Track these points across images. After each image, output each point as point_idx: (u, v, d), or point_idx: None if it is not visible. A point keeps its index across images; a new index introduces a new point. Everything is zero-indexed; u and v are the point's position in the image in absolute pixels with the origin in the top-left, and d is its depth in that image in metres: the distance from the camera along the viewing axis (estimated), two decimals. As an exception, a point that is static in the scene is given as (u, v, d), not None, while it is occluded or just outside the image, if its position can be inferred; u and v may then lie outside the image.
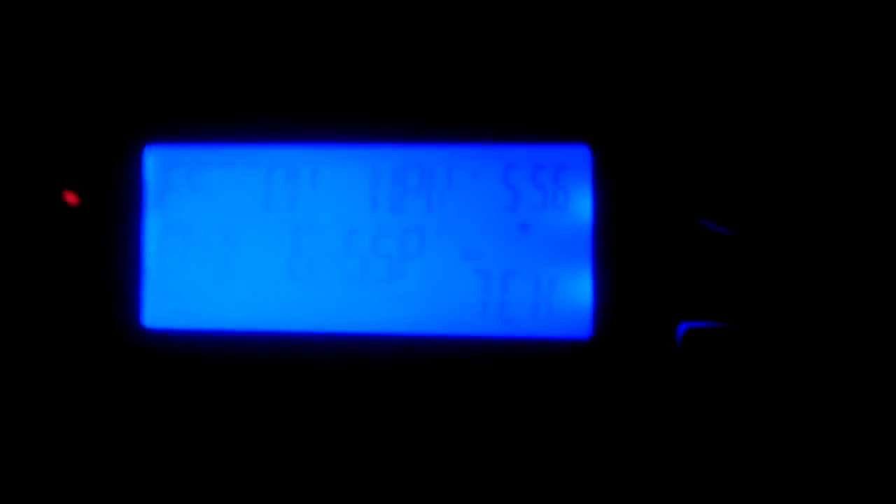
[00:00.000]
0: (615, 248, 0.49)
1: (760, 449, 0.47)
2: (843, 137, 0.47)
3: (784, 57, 0.47)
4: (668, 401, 0.48)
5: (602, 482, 0.49)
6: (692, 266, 0.48)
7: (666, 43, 0.48)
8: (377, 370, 0.50)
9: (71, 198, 0.52)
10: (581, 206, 0.49)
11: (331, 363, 0.51)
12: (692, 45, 0.48)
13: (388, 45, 0.50)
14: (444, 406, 0.50)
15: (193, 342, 0.51)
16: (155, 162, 0.52)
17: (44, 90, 0.52)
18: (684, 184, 0.48)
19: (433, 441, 0.50)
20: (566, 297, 0.49)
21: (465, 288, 0.50)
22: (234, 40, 0.51)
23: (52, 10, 0.52)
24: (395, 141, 0.50)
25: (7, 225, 0.52)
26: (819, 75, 0.47)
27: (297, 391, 0.51)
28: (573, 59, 0.49)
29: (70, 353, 0.52)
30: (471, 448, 0.50)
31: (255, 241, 0.51)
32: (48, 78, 0.52)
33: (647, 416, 0.48)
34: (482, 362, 0.50)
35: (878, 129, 0.46)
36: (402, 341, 0.50)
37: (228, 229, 0.52)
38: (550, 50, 0.49)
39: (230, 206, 0.52)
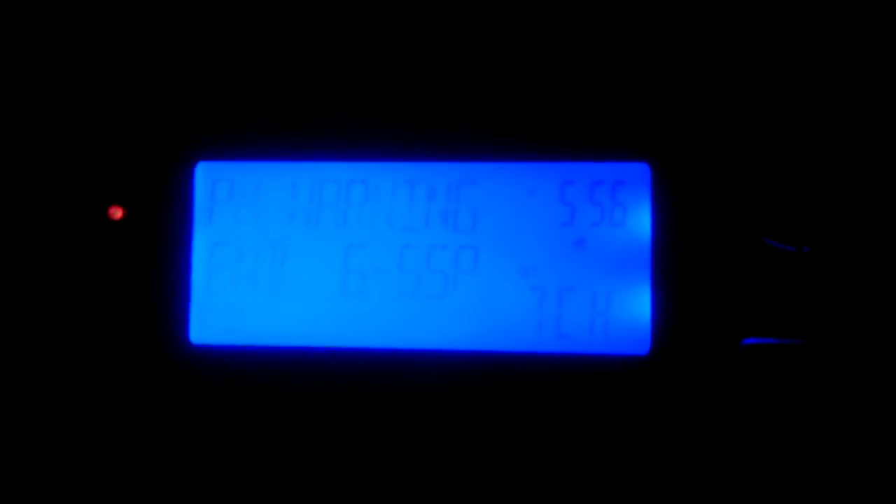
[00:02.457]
0: (674, 264, 0.48)
1: (823, 466, 0.47)
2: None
3: (848, 74, 0.48)
4: (728, 419, 0.48)
5: (660, 500, 0.48)
6: (753, 282, 0.48)
7: (727, 60, 0.48)
8: (431, 387, 0.50)
9: (116, 212, 0.52)
10: (639, 222, 0.49)
11: (384, 380, 0.50)
12: (754, 62, 0.48)
13: (448, 61, 0.50)
14: (501, 423, 0.49)
15: (241, 359, 0.51)
16: (205, 177, 0.52)
17: (96, 106, 0.52)
18: (744, 201, 0.48)
19: (489, 458, 0.49)
20: (623, 314, 0.49)
21: (520, 304, 0.50)
22: (287, 56, 0.51)
23: (108, 24, 0.52)
24: (450, 157, 0.50)
25: (55, 239, 0.51)
26: (885, 94, 0.47)
27: (349, 408, 0.50)
28: (633, 75, 0.49)
29: (116, 371, 0.51)
30: (527, 465, 0.49)
31: (306, 257, 0.51)
32: (101, 93, 0.52)
33: (707, 433, 0.48)
34: (538, 379, 0.49)
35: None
36: (457, 358, 0.50)
37: (278, 245, 0.51)
38: (611, 67, 0.49)
39: (280, 221, 0.51)
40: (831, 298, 0.47)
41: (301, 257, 0.51)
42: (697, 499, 0.48)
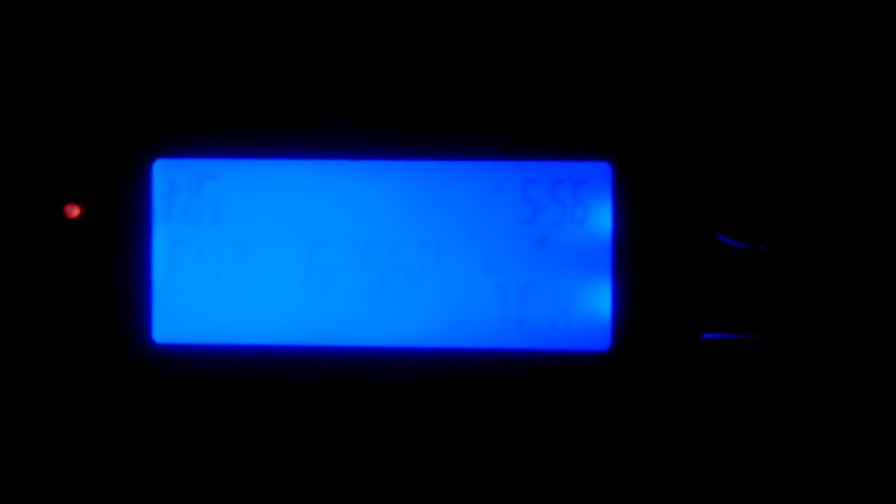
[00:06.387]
0: (634, 261, 0.50)
1: (781, 461, 0.49)
2: (862, 154, 0.48)
3: (806, 73, 0.49)
4: (688, 412, 0.49)
5: (621, 495, 0.50)
6: (711, 279, 0.49)
7: (686, 59, 0.49)
8: (395, 384, 0.50)
9: (73, 210, 0.51)
10: (600, 220, 0.50)
11: (347, 378, 0.50)
12: (713, 61, 0.49)
13: (407, 59, 0.50)
14: (464, 419, 0.50)
15: (206, 357, 0.51)
16: (163, 175, 0.51)
17: (51, 102, 0.51)
18: (702, 200, 0.49)
19: (452, 455, 0.50)
20: (584, 310, 0.50)
21: (483, 301, 0.50)
22: (246, 53, 0.51)
23: (62, 18, 0.51)
24: (413, 155, 0.50)
25: (12, 239, 0.51)
26: (841, 93, 0.48)
27: (313, 406, 0.50)
28: (595, 75, 0.50)
29: (77, 371, 0.51)
30: (490, 461, 0.50)
31: (269, 255, 0.51)
32: (56, 89, 0.51)
33: (667, 427, 0.49)
34: (501, 375, 0.50)
35: None
36: (420, 355, 0.50)
37: (240, 243, 0.51)
38: (573, 67, 0.50)
39: (242, 219, 0.51)
40: (788, 294, 0.49)
41: (264, 255, 0.51)
42: (658, 492, 0.49)
